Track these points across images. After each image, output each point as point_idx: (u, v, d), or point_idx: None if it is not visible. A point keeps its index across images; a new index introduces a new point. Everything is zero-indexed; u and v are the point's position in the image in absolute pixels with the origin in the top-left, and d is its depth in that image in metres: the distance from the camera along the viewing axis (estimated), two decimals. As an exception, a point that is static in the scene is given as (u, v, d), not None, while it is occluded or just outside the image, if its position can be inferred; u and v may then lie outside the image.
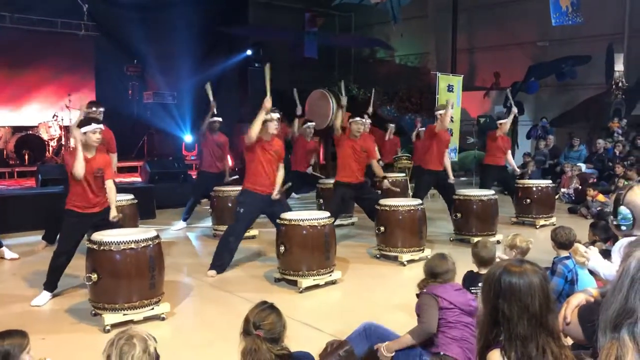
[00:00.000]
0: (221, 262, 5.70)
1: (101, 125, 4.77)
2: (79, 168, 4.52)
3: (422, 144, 8.15)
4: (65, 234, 4.83)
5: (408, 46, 17.74)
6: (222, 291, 5.18)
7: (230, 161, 8.24)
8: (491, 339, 1.84)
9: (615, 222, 2.53)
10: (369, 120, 8.75)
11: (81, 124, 4.73)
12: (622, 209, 2.40)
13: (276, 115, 5.59)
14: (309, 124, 8.80)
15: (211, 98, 7.67)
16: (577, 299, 2.10)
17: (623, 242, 2.52)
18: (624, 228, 2.45)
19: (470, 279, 3.92)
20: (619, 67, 12.69)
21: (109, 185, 4.85)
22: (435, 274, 3.28)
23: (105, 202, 4.87)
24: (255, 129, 5.43)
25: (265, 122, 5.50)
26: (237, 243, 5.80)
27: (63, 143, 11.28)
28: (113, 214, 4.81)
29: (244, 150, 5.70)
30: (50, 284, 4.83)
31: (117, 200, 6.25)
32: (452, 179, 7.40)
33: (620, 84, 12.58)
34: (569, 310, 2.03)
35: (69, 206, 4.72)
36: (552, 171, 11.54)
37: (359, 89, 16.47)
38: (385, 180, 7.07)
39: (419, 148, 9.98)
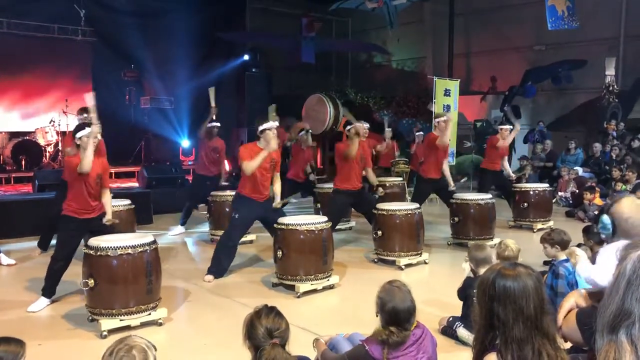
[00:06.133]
0: (218, 267, 5.69)
1: None
2: (87, 164, 4.52)
3: (421, 152, 8.12)
4: (63, 239, 4.82)
5: (405, 51, 17.80)
6: (219, 296, 5.16)
7: (227, 166, 8.24)
8: (487, 343, 1.84)
9: (595, 229, 2.57)
10: (367, 125, 8.73)
11: (76, 130, 4.76)
12: (604, 218, 2.43)
13: (275, 125, 5.53)
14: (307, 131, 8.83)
15: (212, 103, 7.65)
16: (568, 303, 2.12)
17: (611, 246, 2.53)
18: (603, 236, 2.48)
19: (470, 286, 3.92)
20: (610, 71, 12.72)
21: (106, 194, 4.92)
22: (398, 314, 2.63)
23: (102, 208, 4.89)
24: (253, 166, 5.42)
25: (264, 131, 5.47)
26: (234, 249, 5.79)
27: (60, 148, 11.27)
28: (108, 217, 4.85)
29: (239, 157, 5.65)
30: (48, 290, 4.81)
31: (114, 205, 6.26)
32: (452, 186, 7.38)
33: (611, 88, 12.61)
34: (561, 315, 2.05)
35: (66, 212, 4.72)
36: (549, 175, 11.56)
37: (356, 94, 16.51)
38: (380, 189, 7.08)
39: (418, 155, 10.04)
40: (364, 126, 6.68)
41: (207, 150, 7.87)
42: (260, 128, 5.48)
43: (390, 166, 11.24)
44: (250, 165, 5.40)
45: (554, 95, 14.59)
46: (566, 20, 11.89)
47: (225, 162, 7.98)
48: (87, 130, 4.64)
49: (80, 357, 3.89)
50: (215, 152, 7.91)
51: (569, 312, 2.13)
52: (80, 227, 4.70)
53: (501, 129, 8.60)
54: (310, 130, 8.98)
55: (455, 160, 12.29)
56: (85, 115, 6.03)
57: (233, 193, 7.36)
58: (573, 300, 2.12)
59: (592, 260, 2.92)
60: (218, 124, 7.98)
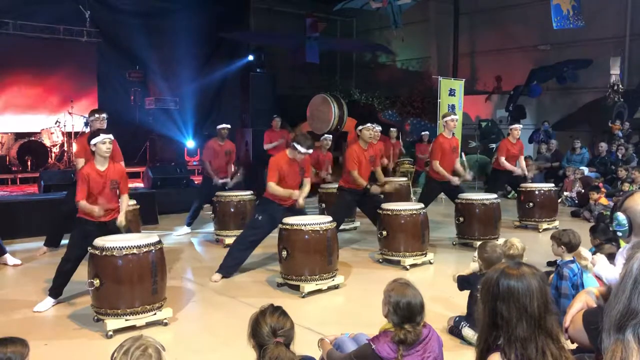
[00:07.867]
0: (229, 267, 5.70)
1: (110, 135, 4.75)
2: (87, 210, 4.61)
3: (430, 155, 8.08)
4: (75, 240, 4.82)
5: (409, 51, 17.77)
6: (224, 296, 5.17)
7: (232, 167, 8.24)
8: (491, 342, 1.84)
9: (611, 228, 2.52)
10: (379, 127, 8.83)
11: (90, 137, 4.79)
12: (618, 215, 2.39)
13: (310, 151, 5.59)
14: (326, 136, 8.96)
15: None
16: (579, 302, 2.09)
17: (627, 246, 2.51)
18: (619, 234, 2.44)
19: (475, 283, 3.92)
20: (616, 70, 12.67)
21: (124, 199, 4.89)
22: (412, 310, 2.65)
23: (117, 212, 4.89)
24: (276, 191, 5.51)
25: (294, 149, 5.50)
26: (249, 250, 5.79)
27: (65, 149, 11.32)
28: (121, 219, 4.79)
29: (268, 170, 5.65)
30: (55, 290, 4.83)
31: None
32: (466, 176, 7.41)
33: (617, 88, 12.55)
34: (569, 316, 2.03)
35: (81, 214, 4.73)
36: (555, 175, 11.52)
37: (361, 94, 16.51)
38: (375, 186, 6.76)
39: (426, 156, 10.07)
40: (375, 128, 6.66)
41: (220, 154, 7.80)
42: (294, 144, 5.52)
43: (395, 166, 11.25)
44: (272, 188, 5.47)
45: (559, 95, 14.55)
46: (571, 20, 11.84)
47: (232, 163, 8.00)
48: (102, 137, 4.67)
49: (86, 357, 3.90)
50: (227, 155, 7.88)
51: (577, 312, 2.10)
52: (93, 230, 4.68)
53: (511, 128, 8.58)
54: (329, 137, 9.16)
55: (460, 160, 12.26)
56: (96, 115, 6.07)
57: (238, 193, 7.41)
58: (584, 300, 2.09)
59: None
60: (228, 126, 7.95)
